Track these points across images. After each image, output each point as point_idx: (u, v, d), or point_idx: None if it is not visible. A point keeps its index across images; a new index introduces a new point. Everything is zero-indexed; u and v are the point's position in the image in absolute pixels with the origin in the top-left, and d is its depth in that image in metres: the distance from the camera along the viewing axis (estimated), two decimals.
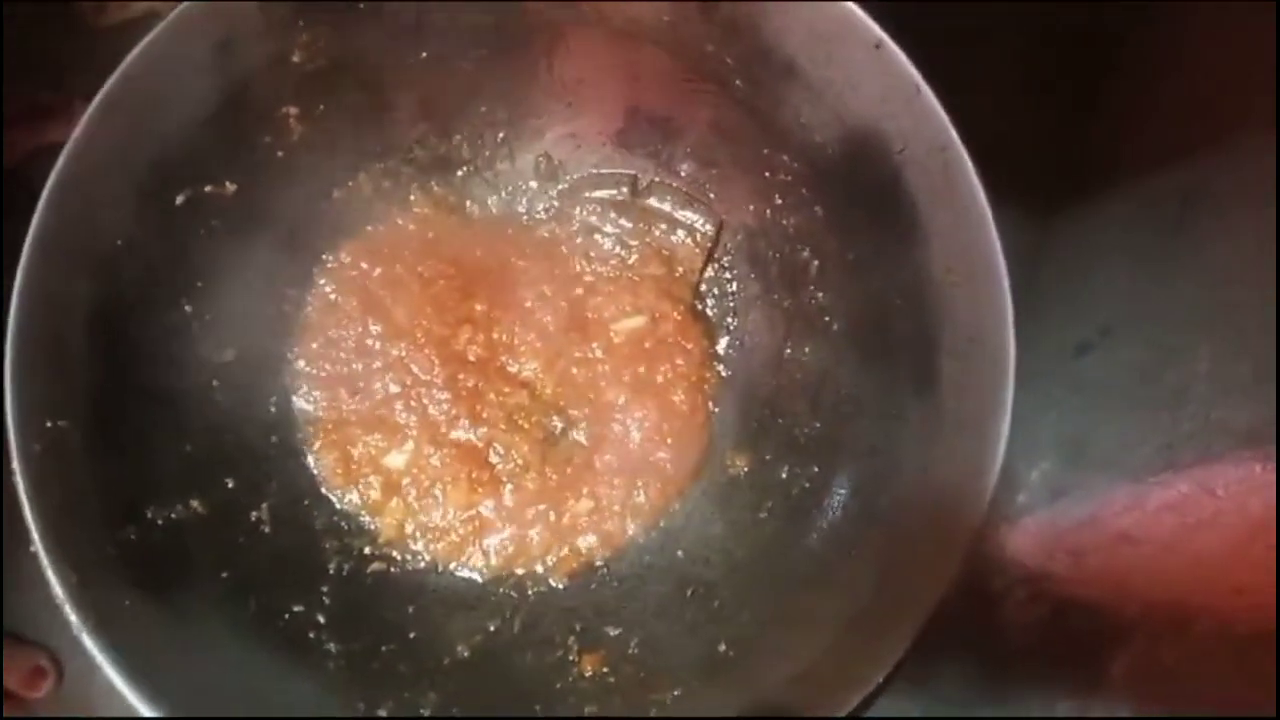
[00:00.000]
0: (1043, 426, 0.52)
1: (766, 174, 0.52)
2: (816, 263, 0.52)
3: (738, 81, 0.49)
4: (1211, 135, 0.47)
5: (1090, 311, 0.54)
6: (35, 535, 0.40)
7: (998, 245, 0.41)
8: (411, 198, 0.56)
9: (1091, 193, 0.58)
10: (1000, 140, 0.61)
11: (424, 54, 0.51)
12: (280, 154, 0.51)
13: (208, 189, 0.49)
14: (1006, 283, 0.41)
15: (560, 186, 0.57)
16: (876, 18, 0.43)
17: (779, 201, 0.52)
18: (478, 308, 0.55)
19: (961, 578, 0.40)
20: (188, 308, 0.49)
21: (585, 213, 0.56)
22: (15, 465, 0.41)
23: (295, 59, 0.49)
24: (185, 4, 0.44)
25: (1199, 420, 0.41)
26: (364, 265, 0.55)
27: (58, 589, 0.40)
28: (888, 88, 0.43)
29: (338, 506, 0.53)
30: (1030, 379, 0.54)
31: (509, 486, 0.52)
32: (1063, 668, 0.48)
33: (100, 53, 0.65)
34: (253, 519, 0.50)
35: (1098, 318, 0.53)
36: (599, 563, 0.52)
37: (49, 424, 0.42)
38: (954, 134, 0.42)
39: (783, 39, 0.45)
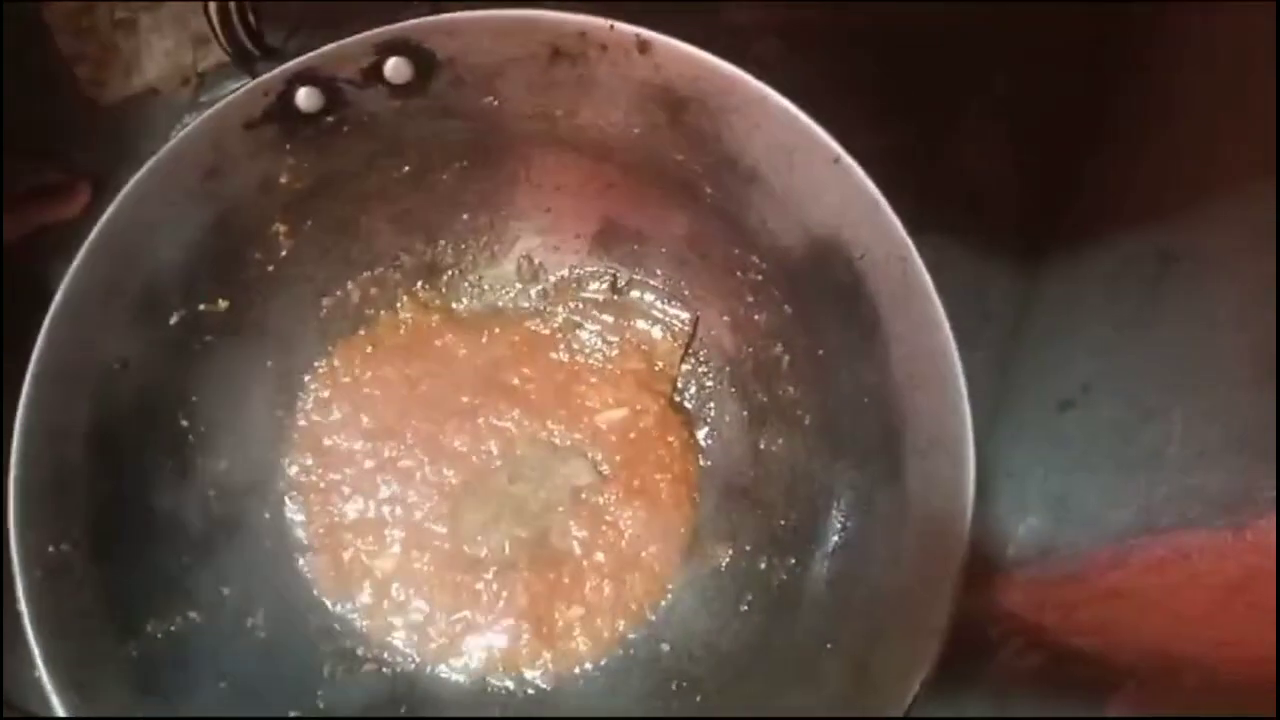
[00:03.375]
0: (1030, 481, 0.52)
1: (738, 273, 0.53)
2: (788, 358, 0.53)
3: (707, 188, 0.50)
4: (1195, 195, 0.48)
5: (1072, 367, 0.54)
6: (38, 659, 0.41)
7: (955, 354, 0.42)
8: (399, 303, 0.58)
9: (1076, 245, 0.59)
10: (991, 191, 0.62)
11: (406, 168, 0.53)
12: (270, 269, 0.53)
13: (201, 307, 0.50)
14: (964, 391, 0.42)
15: (542, 286, 0.59)
16: (836, 134, 0.44)
17: (750, 299, 0.54)
18: (464, 400, 0.56)
19: (957, 629, 0.41)
20: (184, 421, 0.51)
21: (567, 310, 0.58)
22: (19, 592, 0.42)
23: (283, 180, 0.50)
24: (176, 139, 0.46)
25: (1174, 485, 0.42)
26: (354, 369, 0.56)
27: (60, 710, 0.41)
28: (846, 200, 0.44)
29: (331, 609, 0.53)
30: (1018, 432, 0.56)
31: (496, 587, 0.53)
32: (1061, 711, 0.49)
33: (102, 128, 0.67)
34: (249, 625, 0.50)
35: (1079, 374, 0.53)
36: (587, 663, 0.53)
37: (51, 548, 0.43)
38: (911, 245, 0.43)
39: (745, 148, 0.47)
